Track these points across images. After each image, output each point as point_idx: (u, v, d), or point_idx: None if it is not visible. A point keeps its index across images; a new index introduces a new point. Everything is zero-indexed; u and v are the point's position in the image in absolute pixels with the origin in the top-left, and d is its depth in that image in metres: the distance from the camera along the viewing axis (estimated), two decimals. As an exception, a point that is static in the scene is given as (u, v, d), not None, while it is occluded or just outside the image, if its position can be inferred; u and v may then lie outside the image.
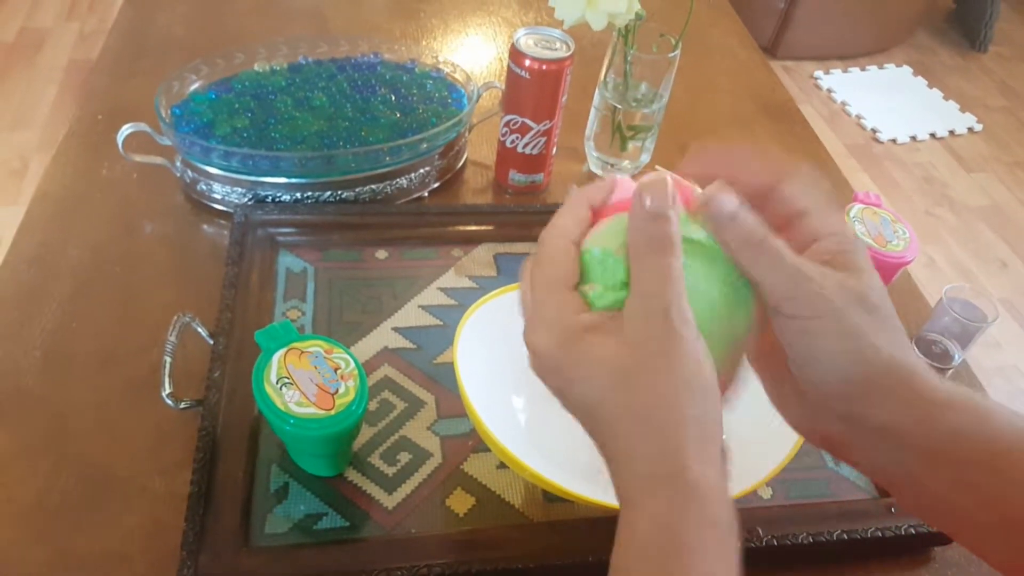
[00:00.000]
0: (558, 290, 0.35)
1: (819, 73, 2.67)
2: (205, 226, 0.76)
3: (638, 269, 0.33)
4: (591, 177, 0.87)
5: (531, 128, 0.76)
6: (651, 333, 0.32)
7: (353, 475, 0.55)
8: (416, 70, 0.85)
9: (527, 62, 0.72)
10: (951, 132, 2.50)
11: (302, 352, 0.53)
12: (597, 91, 0.81)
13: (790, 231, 0.36)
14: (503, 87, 0.82)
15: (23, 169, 1.93)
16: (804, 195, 0.36)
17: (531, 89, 0.74)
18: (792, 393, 0.36)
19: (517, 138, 0.78)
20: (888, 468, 0.36)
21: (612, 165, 0.85)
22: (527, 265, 0.37)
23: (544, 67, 0.72)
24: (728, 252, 0.34)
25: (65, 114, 2.09)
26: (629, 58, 0.77)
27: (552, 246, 0.36)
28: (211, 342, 0.61)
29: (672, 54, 0.76)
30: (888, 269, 0.71)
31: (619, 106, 0.80)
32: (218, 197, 0.74)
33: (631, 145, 0.83)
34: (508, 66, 0.74)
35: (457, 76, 0.85)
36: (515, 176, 0.81)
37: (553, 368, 0.35)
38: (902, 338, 0.35)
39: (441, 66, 0.86)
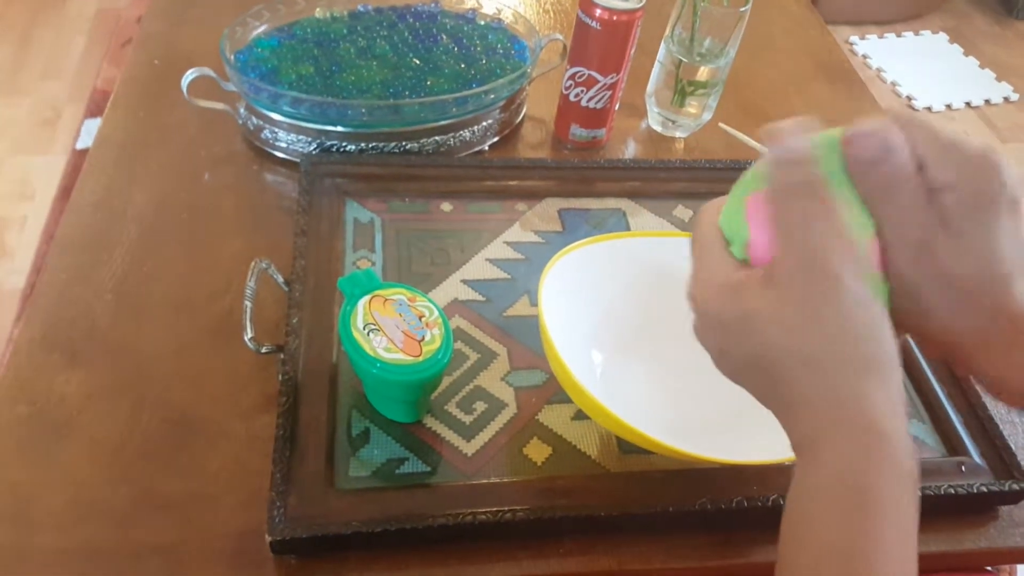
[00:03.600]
0: (710, 251, 0.36)
1: (855, 38, 2.62)
2: (267, 174, 0.75)
3: (782, 216, 0.33)
4: (650, 134, 0.86)
5: (597, 81, 0.75)
6: (809, 280, 0.32)
7: (431, 422, 0.56)
8: (477, 20, 0.84)
9: (598, 12, 0.71)
10: (986, 101, 2.46)
11: (386, 300, 0.53)
12: (663, 44, 0.80)
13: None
14: (564, 40, 0.81)
15: (55, 119, 1.93)
16: (931, 140, 0.33)
17: (600, 40, 0.73)
18: (933, 291, 0.34)
19: (582, 91, 0.77)
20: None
21: (673, 122, 0.84)
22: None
23: (615, 17, 0.71)
24: (863, 192, 0.33)
25: (95, 64, 2.08)
26: (698, 11, 0.76)
27: (700, 219, 0.38)
28: (286, 289, 0.61)
29: (743, 8, 0.75)
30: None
31: (684, 60, 0.79)
32: (283, 145, 0.74)
33: (693, 102, 0.82)
34: (578, 16, 0.73)
35: (519, 27, 0.84)
36: (576, 131, 0.80)
37: (715, 325, 0.35)
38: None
39: (501, 17, 0.85)
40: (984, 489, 0.56)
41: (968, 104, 2.44)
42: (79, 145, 1.76)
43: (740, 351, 0.35)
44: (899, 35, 2.68)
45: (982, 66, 2.60)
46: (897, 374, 0.33)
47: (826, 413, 0.32)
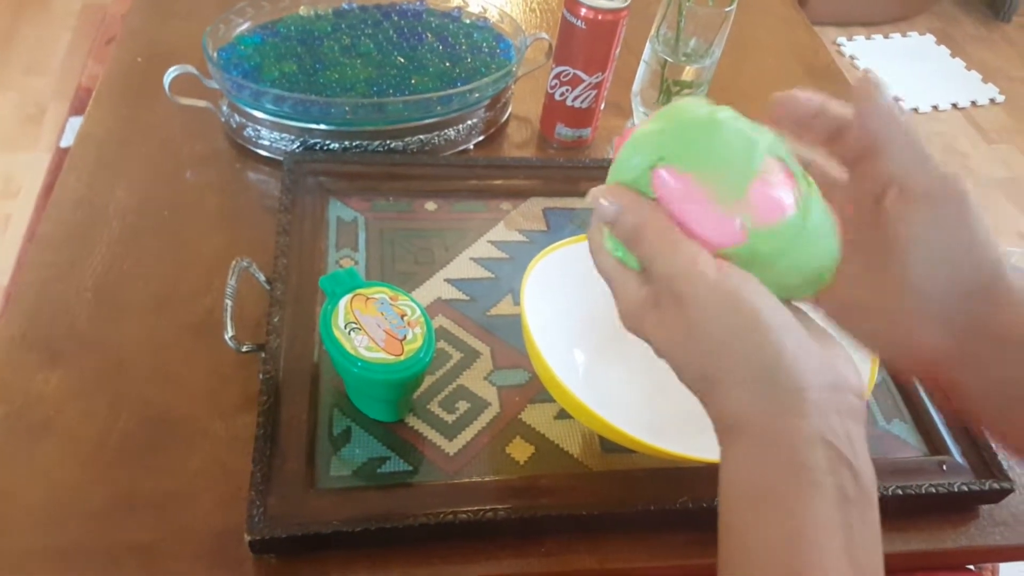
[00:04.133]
0: (613, 280, 0.38)
1: (842, 39, 2.64)
2: (250, 173, 0.75)
3: (643, 259, 0.35)
4: (636, 133, 0.86)
5: (582, 80, 0.75)
6: (674, 303, 0.34)
7: (413, 421, 0.56)
8: (462, 19, 0.84)
9: (583, 11, 0.71)
10: (973, 103, 2.48)
11: (368, 298, 0.53)
12: (648, 44, 0.80)
13: (871, 162, 0.36)
14: (550, 39, 0.80)
15: (40, 115, 1.91)
16: (885, 128, 0.36)
17: (586, 40, 0.73)
18: (894, 309, 0.36)
19: (567, 91, 0.77)
20: (998, 387, 0.35)
21: (658, 121, 0.84)
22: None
23: (601, 17, 0.71)
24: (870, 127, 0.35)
25: (80, 60, 2.06)
26: (684, 10, 0.76)
27: (590, 243, 0.40)
28: (268, 287, 0.61)
29: (728, 8, 0.75)
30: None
31: (669, 60, 0.79)
32: (265, 143, 0.74)
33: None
34: (563, 15, 0.73)
35: (504, 26, 0.84)
36: (562, 130, 0.80)
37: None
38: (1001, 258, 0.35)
39: (487, 16, 0.85)
40: (965, 488, 0.56)
41: (954, 105, 2.46)
42: (64, 143, 1.74)
43: (672, 367, 0.37)
44: (886, 36, 2.70)
45: (968, 68, 2.61)
46: (796, 368, 0.33)
47: (728, 422, 0.34)
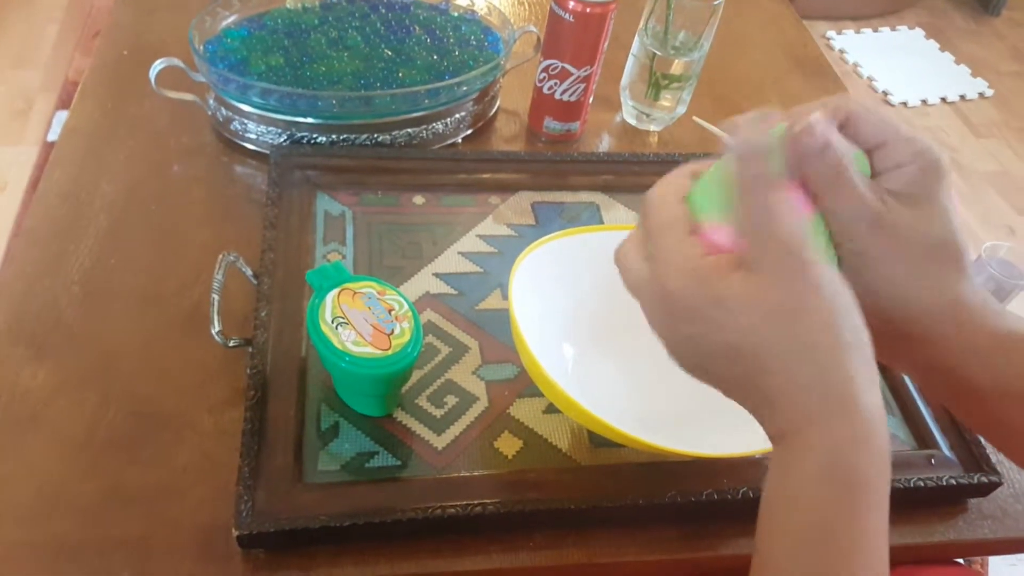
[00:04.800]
0: (678, 234, 0.35)
1: (831, 33, 2.64)
2: (237, 166, 0.74)
3: (750, 207, 0.33)
4: (625, 127, 0.86)
5: (571, 74, 0.75)
6: (790, 269, 0.32)
7: (402, 416, 0.56)
8: (450, 11, 0.83)
9: (571, 4, 0.70)
10: (962, 97, 2.49)
11: (355, 293, 0.53)
12: (637, 38, 0.80)
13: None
14: (538, 32, 0.80)
15: (27, 109, 1.90)
16: (878, 129, 0.36)
17: (574, 33, 0.72)
18: (890, 262, 0.37)
19: (555, 84, 0.76)
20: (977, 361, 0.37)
21: (647, 115, 0.84)
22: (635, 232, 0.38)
23: (588, 10, 0.71)
24: (810, 183, 0.35)
25: (67, 54, 2.05)
26: (672, 4, 0.75)
27: (660, 195, 0.36)
28: (255, 282, 0.60)
29: (717, 1, 0.75)
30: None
31: (658, 53, 0.79)
32: (252, 137, 0.73)
33: (667, 96, 0.82)
34: (551, 8, 0.72)
35: (492, 19, 0.83)
36: (550, 124, 0.80)
37: (689, 311, 0.34)
38: (968, 274, 0.37)
39: (475, 8, 0.84)
40: (953, 482, 0.57)
41: (943, 100, 2.47)
42: (51, 136, 1.73)
43: (711, 339, 0.34)
44: (876, 30, 2.70)
45: (958, 62, 2.62)
46: (871, 349, 0.33)
47: (816, 400, 0.32)
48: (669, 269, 0.34)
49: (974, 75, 2.57)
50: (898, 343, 0.38)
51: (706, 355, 0.35)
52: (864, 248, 0.36)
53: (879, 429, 0.32)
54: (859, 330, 0.33)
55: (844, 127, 0.36)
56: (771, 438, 0.34)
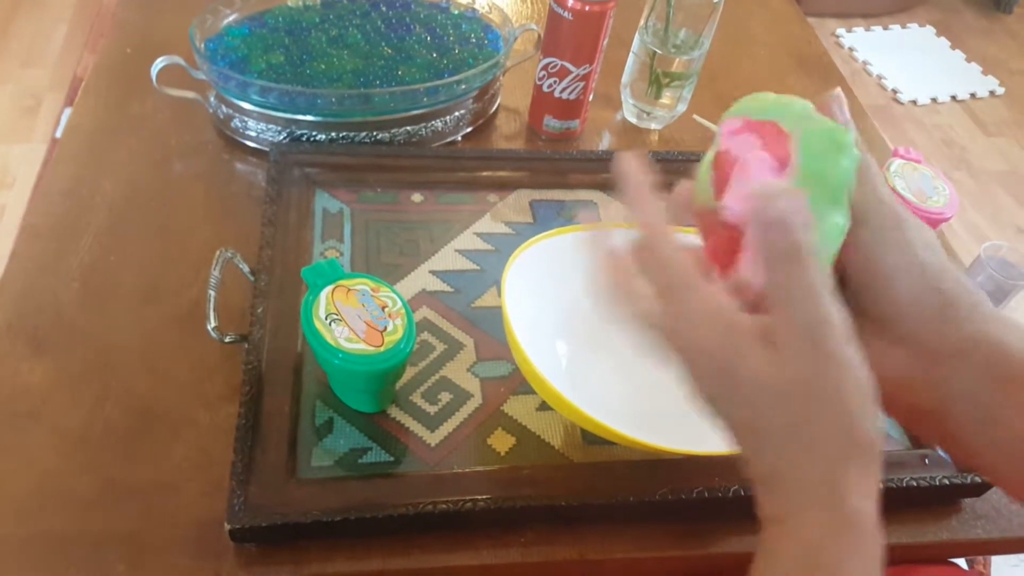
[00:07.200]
0: (697, 282, 0.34)
1: (841, 31, 2.63)
2: (238, 164, 0.75)
3: (777, 279, 0.32)
4: (625, 125, 0.86)
5: (570, 72, 0.75)
6: (811, 355, 0.31)
7: (396, 412, 0.56)
8: (451, 9, 0.84)
9: (570, 2, 0.71)
10: (972, 95, 2.47)
11: (349, 290, 0.53)
12: (637, 36, 0.80)
13: None
14: (539, 30, 0.80)
15: (36, 107, 1.91)
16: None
17: (573, 31, 0.72)
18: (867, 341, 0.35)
19: (555, 82, 0.76)
20: (961, 406, 0.36)
21: (648, 114, 0.84)
22: (637, 255, 0.36)
23: (587, 8, 0.71)
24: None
25: (76, 52, 2.06)
26: (672, 1, 0.75)
27: (663, 238, 0.35)
28: (252, 279, 0.61)
29: (716, -1, 0.75)
30: (928, 225, 0.70)
31: (659, 51, 0.79)
32: (252, 134, 0.74)
33: (667, 94, 0.82)
34: (550, 6, 0.73)
35: (493, 17, 0.83)
36: (550, 122, 0.80)
37: (718, 370, 0.33)
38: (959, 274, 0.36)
39: (476, 6, 0.84)
40: (947, 481, 0.57)
41: (953, 98, 2.45)
42: (59, 133, 1.75)
43: (735, 407, 0.34)
44: (886, 28, 2.69)
45: (968, 60, 2.61)
46: (879, 459, 0.32)
47: (806, 492, 0.32)
48: (699, 320, 0.33)
49: (985, 73, 2.56)
50: (905, 353, 0.36)
51: (725, 415, 0.35)
52: (878, 224, 0.35)
53: (869, 537, 0.31)
54: (870, 435, 0.32)
55: None
56: (762, 520, 0.34)
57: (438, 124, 0.76)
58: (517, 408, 0.57)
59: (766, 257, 0.32)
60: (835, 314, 0.32)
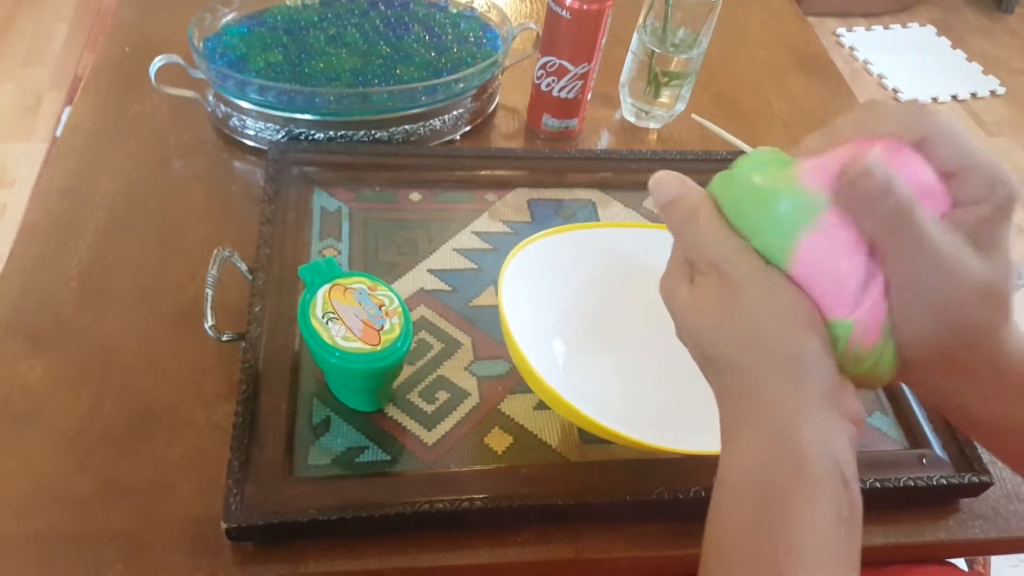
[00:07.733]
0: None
1: (842, 30, 2.63)
2: (237, 162, 0.75)
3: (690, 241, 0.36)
4: (624, 125, 0.86)
5: (568, 71, 0.75)
6: (719, 282, 0.34)
7: (393, 411, 0.56)
8: (449, 8, 0.84)
9: (568, 1, 0.70)
10: (973, 94, 2.47)
11: (346, 288, 0.53)
12: (635, 35, 0.80)
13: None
14: (538, 29, 0.80)
15: (36, 106, 1.91)
16: (960, 155, 0.32)
17: (571, 30, 0.72)
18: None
19: (553, 81, 0.76)
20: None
21: (646, 113, 0.84)
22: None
23: (586, 7, 0.71)
24: (864, 228, 0.31)
25: (77, 51, 2.07)
26: (671, 0, 0.75)
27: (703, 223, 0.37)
28: (250, 277, 0.61)
29: (715, -2, 0.75)
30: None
31: (657, 50, 0.79)
32: (251, 133, 0.74)
33: (666, 93, 0.82)
34: (548, 5, 0.72)
35: (491, 16, 0.83)
36: (549, 121, 0.80)
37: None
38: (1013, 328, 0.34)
39: (474, 5, 0.84)
40: (944, 482, 0.56)
41: (954, 97, 2.45)
42: (59, 132, 1.75)
43: (689, 343, 0.37)
44: (886, 27, 2.69)
45: (969, 59, 2.60)
46: (819, 375, 0.32)
47: (740, 408, 0.33)
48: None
49: (986, 73, 2.55)
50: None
51: (693, 356, 0.38)
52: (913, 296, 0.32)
53: (806, 451, 0.32)
54: (798, 350, 0.32)
55: (919, 148, 0.32)
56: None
57: (436, 123, 0.76)
58: (514, 407, 0.57)
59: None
60: (737, 250, 0.34)
